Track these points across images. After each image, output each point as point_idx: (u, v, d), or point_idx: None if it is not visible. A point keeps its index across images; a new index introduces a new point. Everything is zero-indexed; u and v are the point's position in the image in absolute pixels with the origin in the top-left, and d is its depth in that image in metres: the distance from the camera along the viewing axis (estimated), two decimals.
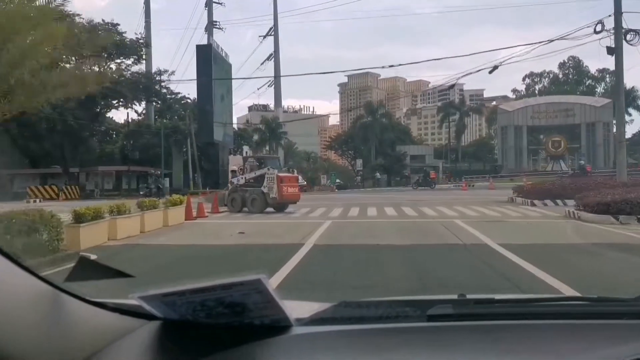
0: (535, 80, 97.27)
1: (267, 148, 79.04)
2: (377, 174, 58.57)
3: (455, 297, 1.34)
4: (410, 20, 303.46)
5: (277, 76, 77.30)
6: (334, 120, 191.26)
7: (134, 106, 47.59)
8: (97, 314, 1.08)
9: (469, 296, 1.34)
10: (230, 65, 55.70)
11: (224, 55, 52.83)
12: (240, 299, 0.98)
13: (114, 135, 54.28)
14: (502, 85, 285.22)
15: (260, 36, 77.66)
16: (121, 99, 45.14)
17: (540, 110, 66.91)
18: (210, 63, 47.21)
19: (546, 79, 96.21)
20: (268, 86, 78.64)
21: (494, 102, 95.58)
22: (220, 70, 50.96)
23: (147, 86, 46.13)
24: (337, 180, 56.27)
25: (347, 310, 1.18)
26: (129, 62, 43.22)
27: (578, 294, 1.95)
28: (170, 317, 1.06)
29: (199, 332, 1.03)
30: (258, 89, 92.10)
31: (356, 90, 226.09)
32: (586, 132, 64.28)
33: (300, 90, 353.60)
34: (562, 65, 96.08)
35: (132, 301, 1.05)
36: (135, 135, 49.52)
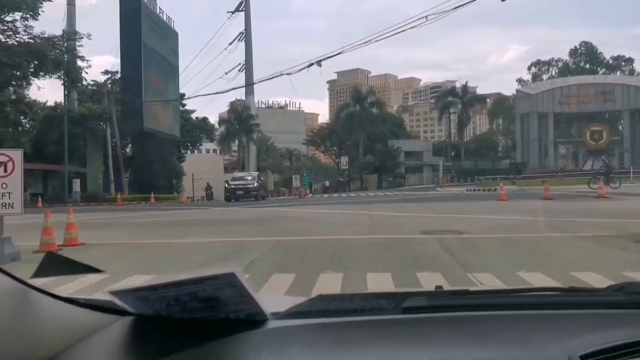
0: (543, 69, 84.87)
1: (237, 143, 65.95)
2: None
3: (431, 290, 1.32)
4: (398, 20, 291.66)
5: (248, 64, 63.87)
6: (324, 119, 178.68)
7: (34, 81, 34.05)
8: (67, 310, 1.06)
9: (444, 289, 1.32)
10: (176, 35, 42.43)
11: (165, 19, 39.59)
12: (214, 293, 0.96)
13: (26, 124, 40.66)
14: (495, 84, 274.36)
15: (228, 12, 64.07)
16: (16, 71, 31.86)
17: (570, 94, 53.38)
18: (139, 23, 33.90)
19: (554, 68, 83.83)
20: (239, 71, 64.78)
21: (489, 100, 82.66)
22: (159, 37, 37.80)
23: (57, 59, 32.74)
24: (327, 183, 43.30)
25: (323, 304, 1.17)
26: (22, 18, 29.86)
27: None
28: (144, 313, 1.04)
29: (174, 327, 1.01)
30: (226, 73, 75.06)
31: (346, 87, 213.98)
32: (629, 121, 51.48)
33: (289, 89, 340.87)
34: (573, 52, 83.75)
35: (104, 297, 1.04)
36: (48, 122, 36.15)
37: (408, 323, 1.10)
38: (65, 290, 1.05)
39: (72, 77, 32.82)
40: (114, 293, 1.00)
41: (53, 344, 0.94)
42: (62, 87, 34.61)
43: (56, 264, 1.17)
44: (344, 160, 57.79)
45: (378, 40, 21.57)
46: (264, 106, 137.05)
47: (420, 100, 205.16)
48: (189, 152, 61.25)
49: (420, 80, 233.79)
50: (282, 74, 26.92)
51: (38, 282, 1.05)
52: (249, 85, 66.28)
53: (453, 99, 65.87)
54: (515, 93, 63.95)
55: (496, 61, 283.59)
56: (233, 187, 28.33)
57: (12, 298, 0.96)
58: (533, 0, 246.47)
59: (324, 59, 24.37)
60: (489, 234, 9.92)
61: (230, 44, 62.31)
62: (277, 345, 0.98)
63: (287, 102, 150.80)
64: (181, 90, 47.71)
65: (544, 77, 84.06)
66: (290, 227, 12.02)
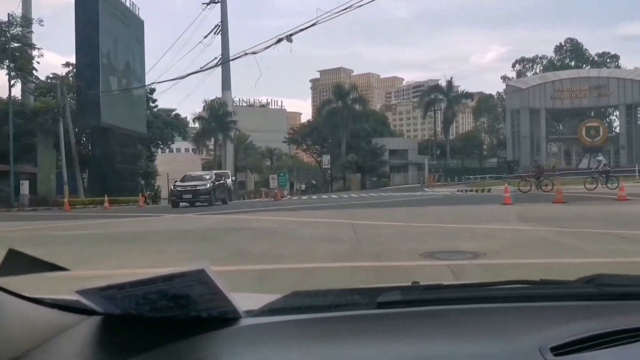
0: (527, 66, 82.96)
1: (212, 141, 62.48)
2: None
3: (406, 284, 1.32)
4: (383, 20, 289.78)
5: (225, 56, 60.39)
6: (307, 118, 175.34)
7: None
8: (33, 310, 1.03)
9: (420, 284, 1.32)
10: (141, 23, 38.88)
11: (129, 4, 36.04)
12: (184, 291, 0.94)
13: None
14: (477, 84, 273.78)
15: (203, 3, 60.55)
16: None
17: (563, 89, 50.51)
18: (96, 5, 30.30)
19: (539, 65, 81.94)
20: (216, 65, 61.15)
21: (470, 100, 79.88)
22: (121, 24, 34.28)
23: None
24: (303, 186, 40.02)
25: (298, 300, 1.15)
26: None
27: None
28: (112, 312, 1.02)
29: (143, 327, 0.99)
30: (201, 67, 68.01)
31: (328, 86, 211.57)
32: (626, 117, 48.83)
33: (271, 89, 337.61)
34: (558, 49, 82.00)
35: (72, 297, 1.01)
36: None
37: (383, 318, 1.10)
38: (30, 289, 1.02)
39: (19, 66, 29.12)
40: (81, 292, 0.97)
41: (17, 345, 0.92)
42: (15, 78, 30.88)
43: (20, 262, 1.12)
44: (326, 159, 54.78)
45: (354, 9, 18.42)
46: (245, 104, 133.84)
47: (403, 99, 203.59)
48: (160, 150, 57.66)
49: (403, 79, 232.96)
50: (246, 54, 23.69)
51: (1, 281, 1.01)
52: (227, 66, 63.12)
53: (438, 96, 63.19)
54: (505, 88, 61.23)
55: (477, 61, 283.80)
56: (179, 189, 24.24)
57: None
58: (513, 2, 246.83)
59: (296, 33, 21.23)
60: (516, 256, 6.79)
61: (206, 37, 58.94)
62: (251, 343, 0.97)
63: (269, 100, 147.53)
64: (152, 86, 44.27)
65: (529, 74, 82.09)
66: (244, 245, 8.72)
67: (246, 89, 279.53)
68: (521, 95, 52.02)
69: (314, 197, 32.45)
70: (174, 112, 53.42)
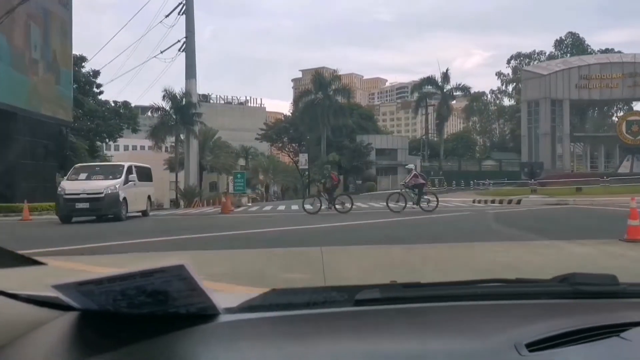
0: (523, 62, 75.48)
1: (173, 137, 53.43)
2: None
3: (383, 283, 1.29)
4: (366, 24, 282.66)
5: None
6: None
7: None
8: (8, 305, 1.02)
9: (398, 282, 1.29)
10: None
11: None
12: (163, 287, 0.93)
13: None
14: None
15: None
16: None
17: (590, 76, 41.77)
18: None
19: (536, 61, 74.53)
20: (179, 50, 52.13)
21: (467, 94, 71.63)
22: None
23: None
24: (275, 188, 31.34)
25: (276, 298, 1.15)
26: None
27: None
28: (89, 308, 1.00)
29: (121, 323, 0.97)
30: (162, 52, 56.06)
31: (311, 86, 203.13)
32: None
33: (252, 90, 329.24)
34: (558, 44, 74.61)
35: (49, 292, 1.00)
36: None
37: (360, 315, 1.09)
38: (4, 284, 1.03)
39: None
40: (58, 287, 0.94)
41: None
42: None
43: None
44: (303, 158, 46.25)
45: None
46: (222, 102, 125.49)
47: (386, 100, 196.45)
48: (112, 146, 48.60)
49: (387, 80, 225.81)
50: None
51: None
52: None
53: (431, 89, 55.10)
54: (521, 74, 52.37)
55: (460, 66, 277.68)
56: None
57: None
58: (496, 8, 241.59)
59: None
60: None
61: (167, 16, 49.86)
62: (228, 339, 0.97)
63: (248, 98, 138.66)
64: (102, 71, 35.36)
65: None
66: None
67: (225, 87, 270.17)
68: (541, 84, 42.92)
69: (281, 206, 23.77)
70: (122, 101, 44.32)
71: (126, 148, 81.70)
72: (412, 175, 16.87)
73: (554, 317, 1.05)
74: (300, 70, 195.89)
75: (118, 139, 73.30)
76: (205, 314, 0.99)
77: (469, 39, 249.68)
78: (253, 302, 1.10)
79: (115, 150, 68.55)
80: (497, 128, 79.51)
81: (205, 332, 0.96)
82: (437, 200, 17.06)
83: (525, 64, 74.62)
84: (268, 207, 17.47)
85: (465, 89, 56.20)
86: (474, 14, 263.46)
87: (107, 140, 42.78)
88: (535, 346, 0.90)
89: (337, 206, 16.93)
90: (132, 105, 48.39)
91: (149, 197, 18.77)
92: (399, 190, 17.61)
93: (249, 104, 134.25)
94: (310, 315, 1.07)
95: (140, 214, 17.84)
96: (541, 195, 23.43)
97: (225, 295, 1.15)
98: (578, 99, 43.26)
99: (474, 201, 23.25)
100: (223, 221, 15.59)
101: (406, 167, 19.49)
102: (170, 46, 53.03)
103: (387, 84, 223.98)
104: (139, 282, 0.90)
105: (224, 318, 1.01)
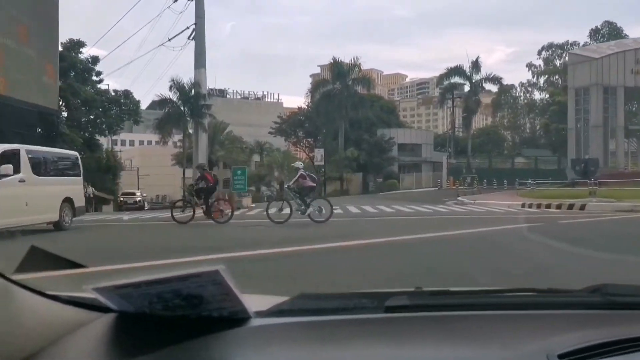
0: (556, 52, 70.06)
1: (181, 130, 49.80)
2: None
3: (413, 289, 1.28)
4: (384, 20, 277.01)
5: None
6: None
7: None
8: (49, 307, 1.04)
9: (425, 289, 1.30)
10: None
11: None
12: (197, 291, 0.96)
13: None
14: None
15: None
16: None
17: None
18: None
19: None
20: (188, 38, 48.18)
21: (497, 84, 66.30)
22: None
23: None
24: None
25: (305, 302, 1.16)
26: None
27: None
28: (126, 310, 1.03)
29: (156, 325, 1.01)
30: (170, 39, 51.01)
31: (329, 75, 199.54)
32: None
33: (270, 87, 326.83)
34: (593, 33, 68.97)
35: (88, 294, 1.02)
36: None
37: (390, 322, 1.09)
38: (47, 286, 1.06)
39: None
40: (97, 290, 0.97)
41: (35, 341, 0.94)
42: None
43: (40, 259, 1.11)
44: (319, 154, 42.16)
45: None
46: (239, 97, 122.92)
47: (407, 96, 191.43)
48: (119, 140, 45.10)
49: (407, 76, 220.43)
50: None
51: (20, 278, 1.03)
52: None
53: (459, 78, 50.35)
54: (567, 58, 46.96)
55: (482, 62, 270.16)
56: None
57: None
58: (518, 3, 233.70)
59: None
60: None
61: (176, 0, 46.13)
62: (259, 343, 0.98)
63: (265, 93, 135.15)
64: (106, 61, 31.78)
65: (557, 62, 69.63)
66: None
67: (243, 83, 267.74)
68: (592, 69, 37.29)
69: (286, 209, 19.38)
70: (123, 90, 40.67)
71: (132, 143, 78.78)
72: (298, 175, 13.71)
73: (587, 328, 1.02)
74: (318, 66, 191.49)
75: (125, 133, 70.17)
76: (237, 317, 1.01)
77: (490, 35, 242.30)
78: (282, 306, 1.10)
79: (122, 145, 65.49)
80: (527, 123, 74.28)
81: (237, 335, 0.98)
82: (332, 208, 13.44)
83: (558, 55, 69.53)
84: (272, 210, 13.43)
85: (496, 80, 51.26)
86: (495, 9, 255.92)
87: (106, 132, 39.17)
88: (567, 357, 0.89)
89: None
90: (136, 98, 44.84)
91: (67, 200, 12.92)
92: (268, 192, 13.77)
93: (266, 99, 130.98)
94: (339, 320, 1.07)
95: (51, 226, 12.36)
96: (604, 199, 18.92)
97: (253, 299, 1.09)
98: (634, 86, 37.76)
99: (523, 205, 18.84)
100: (188, 234, 11.65)
101: (293, 165, 16.49)
102: (179, 33, 48.90)
103: (407, 79, 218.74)
104: (175, 286, 0.93)
105: (255, 322, 1.02)
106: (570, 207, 17.11)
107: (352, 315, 1.09)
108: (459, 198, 24.87)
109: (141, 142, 75.90)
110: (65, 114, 35.47)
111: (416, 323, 1.08)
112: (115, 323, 1.02)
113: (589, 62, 38.54)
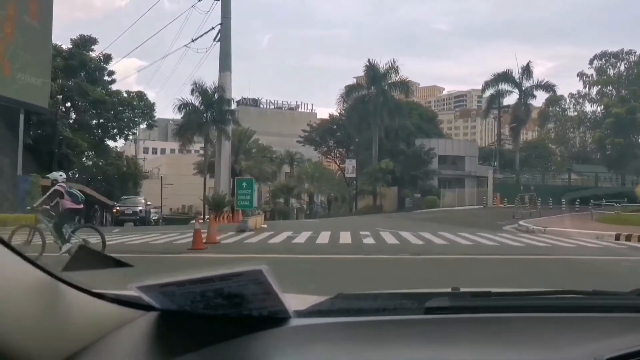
0: (610, 61, 63.98)
1: (202, 137, 46.26)
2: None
3: (453, 290, 1.26)
4: (423, 33, 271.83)
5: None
6: None
7: None
8: (95, 305, 1.06)
9: (463, 289, 1.29)
10: None
11: None
12: (239, 290, 0.97)
13: None
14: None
15: None
16: None
17: None
18: None
19: (624, 62, 62.96)
20: (214, 40, 44.64)
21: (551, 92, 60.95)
22: None
23: None
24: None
25: (345, 302, 1.15)
26: None
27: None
28: (169, 308, 1.04)
29: (198, 323, 1.01)
30: (193, 40, 47.06)
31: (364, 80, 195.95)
32: None
33: (307, 96, 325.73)
34: None
35: (131, 292, 1.04)
36: None
37: (431, 323, 1.08)
38: (94, 284, 1.08)
39: None
40: (141, 288, 0.99)
41: (81, 338, 0.95)
42: None
43: (87, 257, 1.14)
44: (350, 165, 37.93)
45: None
46: (272, 106, 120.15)
47: (444, 108, 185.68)
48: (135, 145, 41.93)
49: (444, 89, 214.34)
50: None
51: (68, 276, 1.04)
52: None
53: (507, 86, 45.21)
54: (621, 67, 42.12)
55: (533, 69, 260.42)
56: None
57: (43, 291, 0.95)
58: (559, 17, 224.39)
59: None
60: None
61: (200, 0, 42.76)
62: (298, 343, 0.98)
63: (299, 103, 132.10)
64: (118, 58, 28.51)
65: (610, 72, 63.63)
66: None
67: (278, 94, 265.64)
68: None
69: (305, 231, 14.63)
70: (136, 91, 37.36)
71: (163, 151, 76.40)
72: (52, 190, 9.54)
73: (635, 332, 0.98)
74: (354, 77, 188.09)
75: (153, 141, 67.30)
76: (277, 317, 1.01)
77: (530, 49, 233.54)
78: (322, 306, 1.10)
79: (144, 153, 62.68)
80: (577, 137, 68.08)
81: (277, 335, 0.98)
82: (104, 242, 9.79)
83: (612, 65, 63.53)
84: (288, 233, 9.15)
85: (549, 87, 45.90)
86: (536, 23, 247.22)
87: (117, 136, 35.84)
88: None
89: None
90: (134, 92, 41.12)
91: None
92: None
93: (300, 110, 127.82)
94: (379, 321, 1.06)
95: None
96: None
97: (292, 298, 1.08)
98: None
99: (618, 237, 13.95)
100: None
101: (48, 176, 10.94)
102: (204, 34, 45.26)
103: (445, 92, 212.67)
104: (218, 285, 0.94)
105: (294, 322, 1.02)
106: None
107: (392, 316, 1.07)
108: (521, 223, 19.95)
109: (172, 151, 73.33)
110: (74, 115, 32.41)
111: (457, 325, 1.05)
112: (158, 321, 1.02)
113: None
